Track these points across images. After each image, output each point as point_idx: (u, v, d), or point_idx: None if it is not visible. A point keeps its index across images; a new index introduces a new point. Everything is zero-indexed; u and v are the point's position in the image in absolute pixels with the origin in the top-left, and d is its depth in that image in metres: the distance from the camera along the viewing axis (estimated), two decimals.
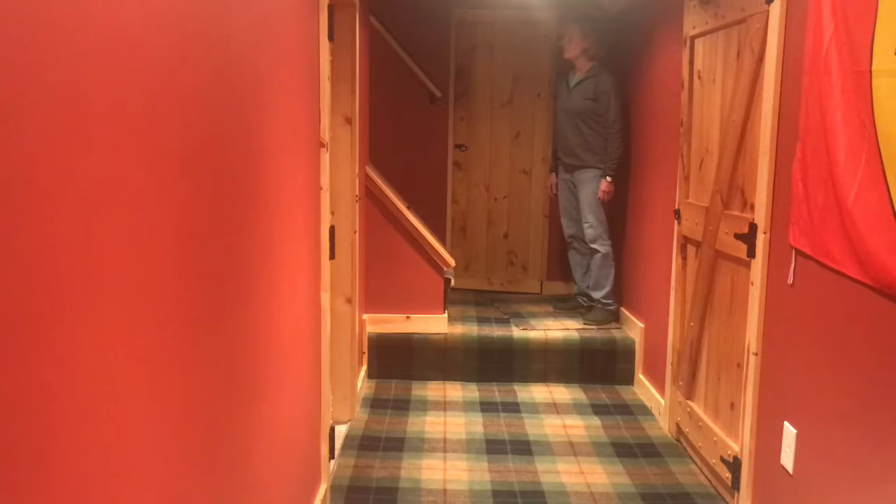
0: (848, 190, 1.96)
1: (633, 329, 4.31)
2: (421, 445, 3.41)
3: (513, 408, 3.91)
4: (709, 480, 3.13)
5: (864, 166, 1.88)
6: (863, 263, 1.92)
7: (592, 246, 4.46)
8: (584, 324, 4.49)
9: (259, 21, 1.77)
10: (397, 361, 4.25)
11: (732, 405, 2.91)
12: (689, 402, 3.37)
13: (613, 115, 4.34)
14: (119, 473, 1.04)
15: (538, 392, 4.14)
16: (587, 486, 3.06)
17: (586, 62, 4.46)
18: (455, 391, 4.13)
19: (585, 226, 4.48)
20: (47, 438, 0.85)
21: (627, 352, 4.28)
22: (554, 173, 4.81)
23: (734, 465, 2.79)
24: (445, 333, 4.26)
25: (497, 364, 4.27)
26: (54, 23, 0.86)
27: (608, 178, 4.36)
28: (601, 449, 3.43)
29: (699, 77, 3.33)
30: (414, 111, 5.07)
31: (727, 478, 2.86)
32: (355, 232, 3.51)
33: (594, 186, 4.41)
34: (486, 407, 3.91)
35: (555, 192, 4.83)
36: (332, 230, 2.85)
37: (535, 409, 3.90)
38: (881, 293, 1.87)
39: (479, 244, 5.39)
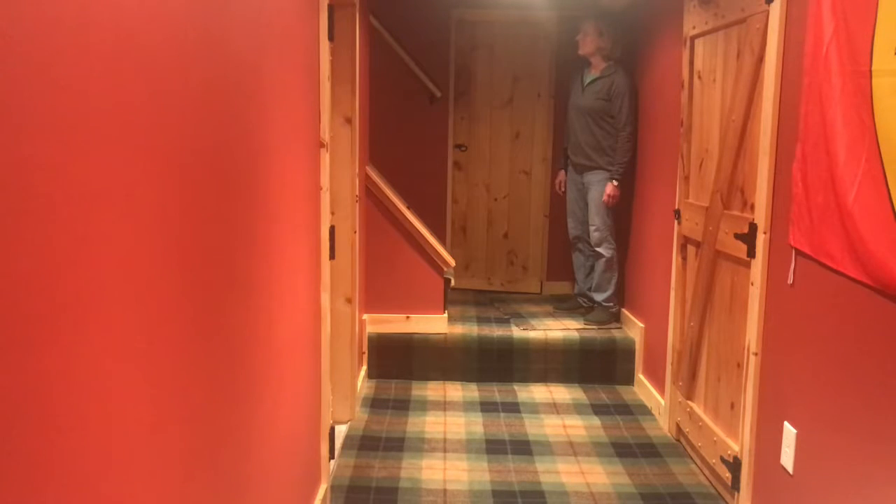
0: (848, 190, 1.96)
1: (633, 329, 4.31)
2: (421, 445, 3.41)
3: (513, 408, 3.91)
4: (709, 480, 3.13)
5: (864, 166, 1.88)
6: (863, 263, 1.92)
7: (597, 249, 4.44)
8: (585, 324, 4.49)
9: (259, 21, 1.77)
10: (397, 361, 4.25)
11: (732, 405, 2.91)
12: (689, 402, 3.37)
13: (625, 118, 4.28)
14: (119, 474, 1.04)
15: (538, 392, 4.14)
16: (587, 486, 3.06)
17: (601, 61, 4.40)
18: (455, 391, 4.13)
19: (591, 228, 4.46)
20: (48, 438, 0.85)
21: (627, 352, 4.28)
22: (563, 171, 4.78)
23: (734, 465, 2.79)
24: (445, 333, 4.26)
25: (497, 364, 4.27)
26: (55, 22, 0.86)
27: (614, 182, 4.33)
28: (601, 449, 3.43)
29: (699, 77, 3.33)
30: (414, 111, 5.07)
31: (727, 478, 2.86)
32: (355, 232, 3.51)
33: (602, 189, 4.37)
34: (486, 407, 3.91)
35: (562, 189, 4.81)
36: (332, 230, 2.85)
37: (535, 409, 3.90)
38: (881, 293, 1.87)
39: (479, 244, 5.39)
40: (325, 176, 2.69)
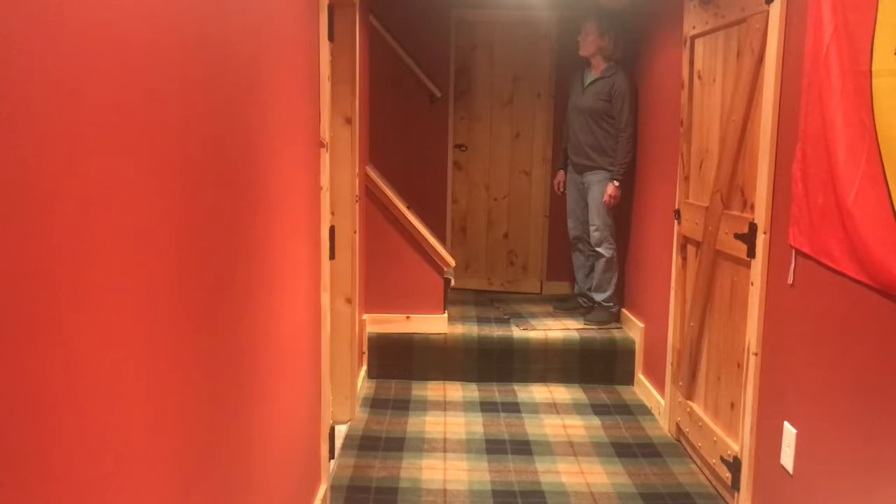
0: (848, 190, 1.96)
1: (634, 329, 4.31)
2: (421, 445, 3.41)
3: (513, 408, 3.91)
4: (709, 480, 3.13)
5: (864, 166, 1.88)
6: (863, 263, 1.92)
7: (598, 249, 4.44)
8: (585, 324, 4.49)
9: (259, 21, 1.77)
10: (397, 361, 4.25)
11: (732, 405, 2.91)
12: (689, 402, 3.37)
13: (626, 119, 4.27)
14: (120, 473, 1.04)
15: (538, 392, 4.14)
16: (587, 486, 3.06)
17: (602, 62, 4.39)
18: (455, 391, 4.13)
19: (592, 228, 4.46)
20: (48, 438, 0.85)
21: (627, 352, 4.28)
22: (562, 171, 4.77)
23: (734, 465, 2.79)
24: (445, 333, 4.26)
25: (497, 364, 4.27)
26: (54, 22, 0.86)
27: (615, 183, 4.32)
28: (601, 449, 3.43)
29: (699, 77, 3.33)
30: (414, 111, 5.07)
31: (727, 478, 2.86)
32: (355, 232, 3.51)
33: (603, 189, 4.37)
34: (486, 407, 3.91)
35: (562, 189, 4.80)
36: (332, 230, 2.85)
37: (535, 409, 3.90)
38: (881, 293, 1.87)
39: (479, 244, 5.39)
40: (325, 176, 2.69)
